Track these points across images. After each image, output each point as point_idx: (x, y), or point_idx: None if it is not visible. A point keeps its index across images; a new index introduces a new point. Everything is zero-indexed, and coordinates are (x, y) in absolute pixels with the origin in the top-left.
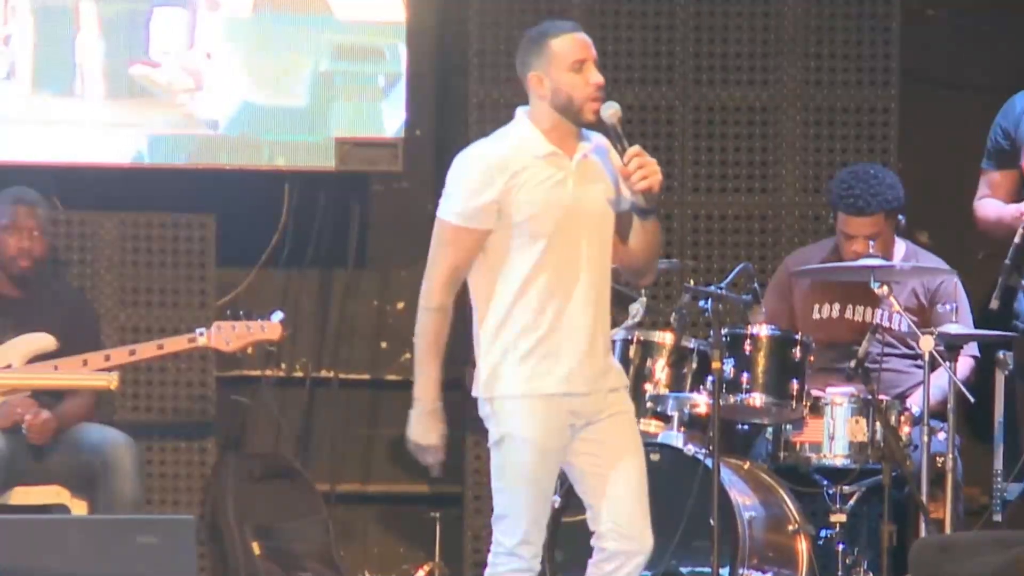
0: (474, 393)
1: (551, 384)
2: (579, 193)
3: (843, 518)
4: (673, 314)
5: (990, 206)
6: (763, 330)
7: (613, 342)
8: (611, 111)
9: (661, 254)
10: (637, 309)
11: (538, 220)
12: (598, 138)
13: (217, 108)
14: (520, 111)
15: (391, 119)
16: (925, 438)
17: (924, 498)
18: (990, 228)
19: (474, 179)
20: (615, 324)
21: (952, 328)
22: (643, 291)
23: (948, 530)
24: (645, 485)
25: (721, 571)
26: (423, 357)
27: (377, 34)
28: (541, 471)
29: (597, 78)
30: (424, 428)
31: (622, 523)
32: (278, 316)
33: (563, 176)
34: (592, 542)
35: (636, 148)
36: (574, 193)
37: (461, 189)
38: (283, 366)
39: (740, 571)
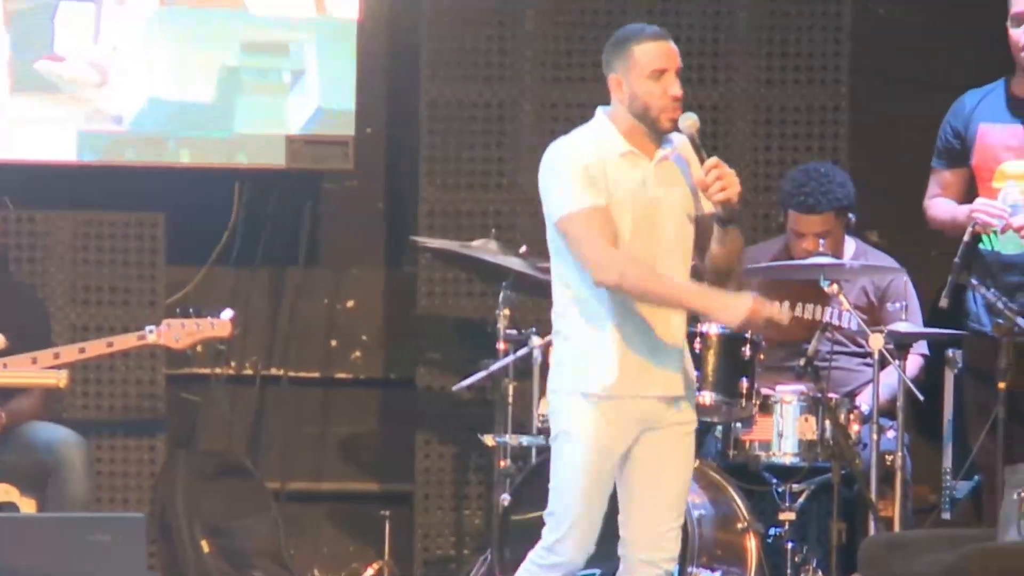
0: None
1: (615, 383)
2: (657, 194)
3: (792, 516)
4: None
5: (943, 206)
6: (713, 328)
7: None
8: (688, 122)
9: (745, 260)
10: None
11: (620, 218)
12: (681, 142)
13: (123, 103)
14: (600, 110)
15: (296, 115)
16: (874, 436)
17: (873, 496)
18: (944, 228)
19: (572, 169)
20: None
21: (902, 326)
22: None
23: (897, 528)
24: (683, 502)
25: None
26: (665, 288)
27: (285, 29)
28: (595, 471)
29: (676, 90)
30: (734, 301)
31: (645, 534)
32: (228, 314)
33: (641, 176)
34: (619, 551)
35: (714, 160)
36: (652, 194)
37: (563, 181)
38: (233, 364)
39: (689, 569)
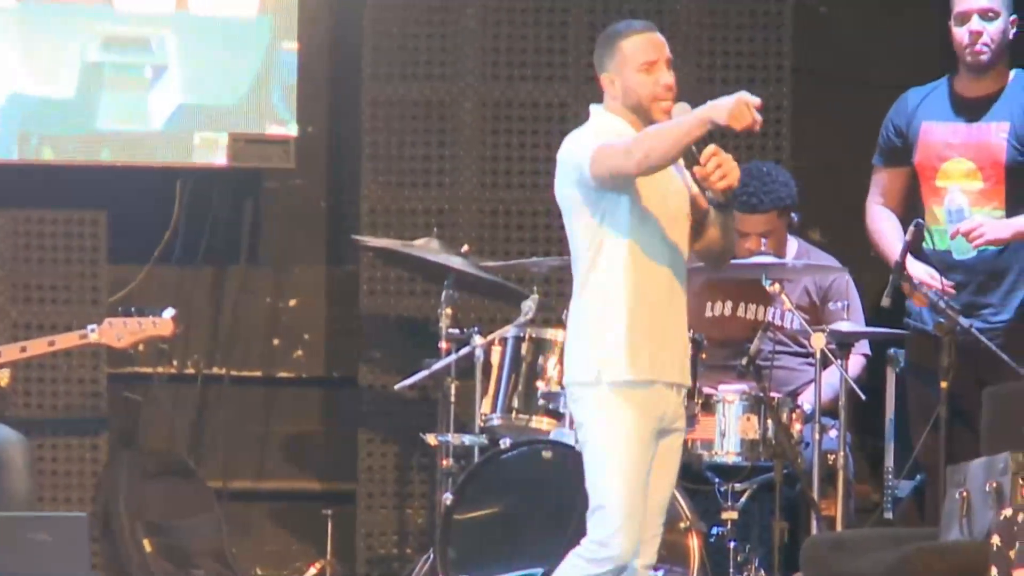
0: (567, 380)
1: (638, 368)
2: (664, 186)
3: (735, 515)
4: (565, 311)
5: (883, 236)
6: None
7: (504, 340)
8: (681, 110)
9: (735, 244)
10: (529, 306)
11: (637, 210)
12: None
13: None
14: (594, 108)
15: (157, 111)
16: (816, 436)
17: (816, 495)
18: (877, 250)
19: (589, 137)
20: (506, 321)
21: (844, 326)
22: (535, 288)
23: (840, 527)
24: (666, 509)
25: None
26: (672, 130)
27: (146, 24)
28: (636, 457)
29: (667, 79)
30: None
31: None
32: (170, 312)
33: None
34: None
35: (712, 147)
36: (662, 183)
37: (584, 144)
38: (175, 363)
39: None
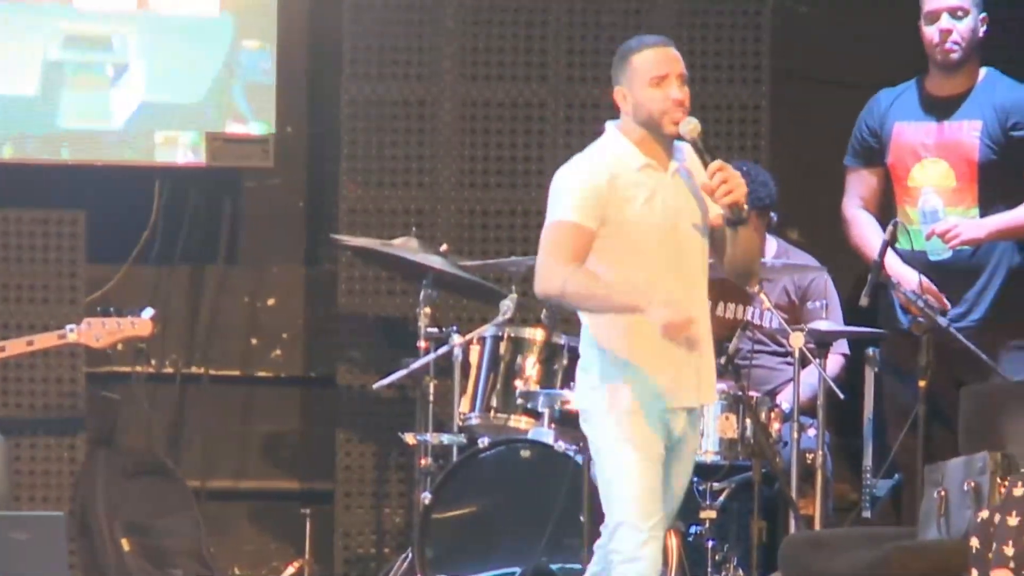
0: (576, 405)
1: (644, 395)
2: (677, 204)
3: (713, 514)
4: (544, 310)
5: (863, 239)
6: None
7: (483, 339)
8: (690, 127)
9: (760, 255)
10: (508, 306)
11: (638, 231)
12: (687, 152)
13: None
14: (610, 125)
15: (119, 110)
16: (795, 435)
17: (794, 494)
18: (861, 255)
19: (580, 185)
20: (484, 321)
21: (822, 325)
22: (513, 288)
23: (818, 526)
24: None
25: None
26: (597, 290)
27: (108, 22)
28: (647, 471)
29: (676, 93)
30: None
31: None
32: (148, 312)
33: (660, 188)
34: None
35: (718, 163)
36: (673, 204)
37: (570, 194)
38: (153, 362)
39: None
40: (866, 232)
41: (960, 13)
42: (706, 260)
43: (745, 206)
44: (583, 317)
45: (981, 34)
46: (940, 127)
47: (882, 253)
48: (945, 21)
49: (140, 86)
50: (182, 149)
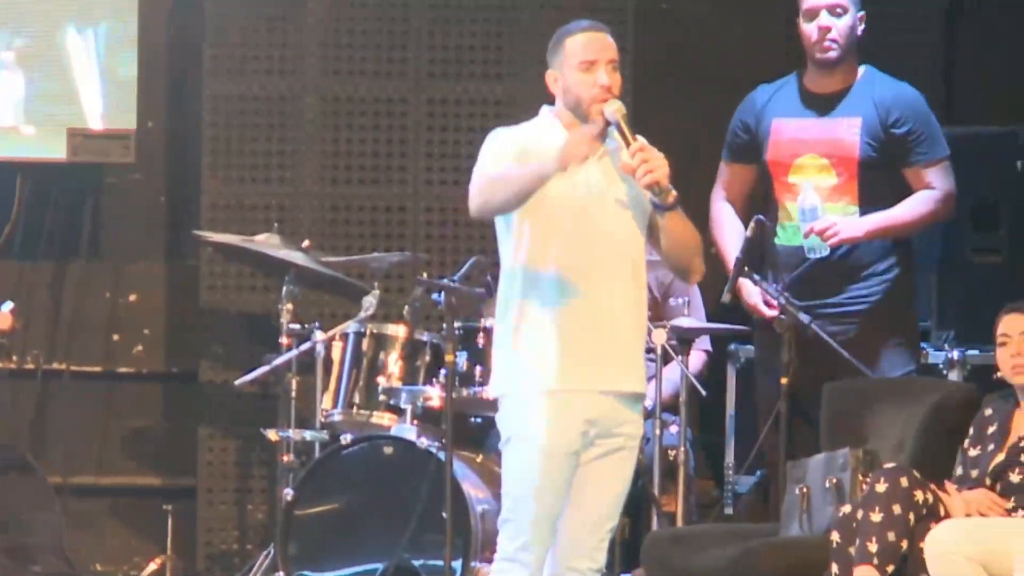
0: (491, 393)
1: (557, 377)
2: (600, 189)
3: None
4: (406, 307)
5: (724, 237)
6: (491, 322)
7: (345, 335)
8: (613, 108)
9: (699, 248)
10: (370, 302)
11: (555, 207)
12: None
13: None
14: (545, 108)
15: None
16: (657, 431)
17: (656, 491)
18: (717, 248)
19: (505, 140)
20: (347, 317)
21: (684, 322)
22: (376, 284)
23: (680, 523)
24: (617, 514)
25: (454, 564)
26: (509, 172)
27: None
28: (548, 471)
29: (604, 79)
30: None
31: (582, 543)
32: (8, 306)
33: (584, 168)
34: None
35: (640, 142)
36: (596, 188)
37: (495, 147)
38: (15, 358)
39: (473, 564)
40: (724, 231)
41: (839, 11)
42: (637, 247)
43: (669, 187)
44: (500, 296)
45: (860, 32)
46: (819, 123)
47: (745, 250)
48: (824, 18)
49: (3, 81)
50: (43, 144)
